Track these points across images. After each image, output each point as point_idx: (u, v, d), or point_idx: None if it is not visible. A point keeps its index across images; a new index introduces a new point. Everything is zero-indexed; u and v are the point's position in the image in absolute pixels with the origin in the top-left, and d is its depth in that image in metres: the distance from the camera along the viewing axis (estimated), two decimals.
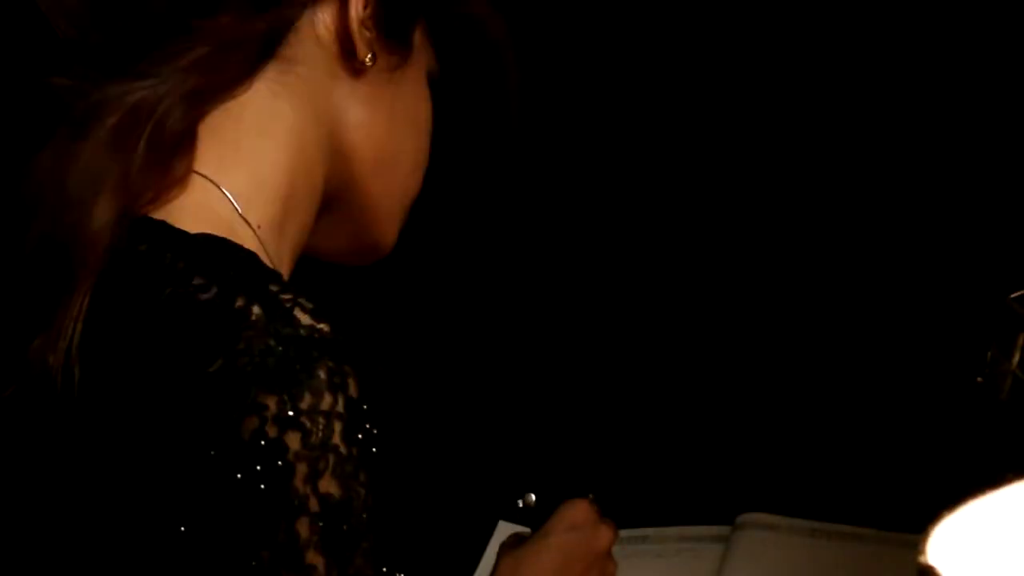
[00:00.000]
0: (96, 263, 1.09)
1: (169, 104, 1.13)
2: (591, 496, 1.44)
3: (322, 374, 1.03)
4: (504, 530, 1.57)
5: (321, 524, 1.02)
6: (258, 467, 1.01)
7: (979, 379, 1.35)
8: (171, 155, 1.14)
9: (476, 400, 1.97)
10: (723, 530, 1.70)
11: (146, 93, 1.13)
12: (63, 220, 1.11)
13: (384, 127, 1.25)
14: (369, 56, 1.22)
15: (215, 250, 1.10)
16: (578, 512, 1.42)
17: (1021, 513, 0.82)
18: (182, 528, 1.03)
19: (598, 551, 1.41)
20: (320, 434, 1.02)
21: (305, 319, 1.05)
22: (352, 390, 1.04)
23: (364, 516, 1.03)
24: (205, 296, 1.06)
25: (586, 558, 1.40)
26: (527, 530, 1.44)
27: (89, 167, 1.12)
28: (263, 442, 1.01)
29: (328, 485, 1.02)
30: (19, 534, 1.10)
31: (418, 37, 1.27)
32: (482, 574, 1.64)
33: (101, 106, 1.13)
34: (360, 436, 1.04)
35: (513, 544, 1.43)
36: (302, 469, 1.02)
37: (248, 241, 1.14)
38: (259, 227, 1.16)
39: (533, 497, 1.45)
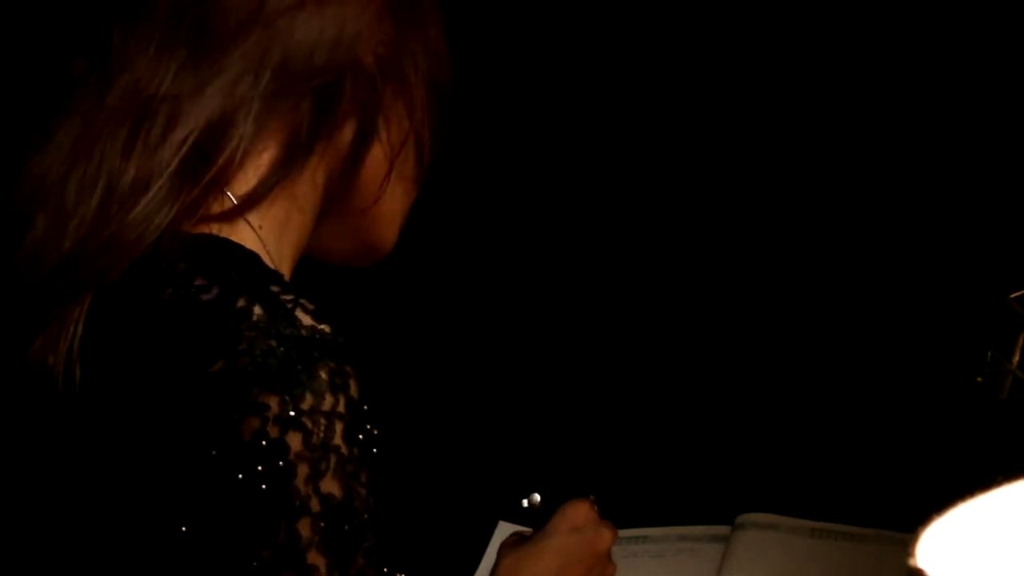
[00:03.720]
0: (120, 270, 1.09)
1: (208, 125, 1.13)
2: (592, 497, 1.43)
3: (323, 375, 1.03)
4: (504, 530, 1.57)
5: (323, 524, 1.02)
6: (259, 467, 1.01)
7: (979, 379, 1.36)
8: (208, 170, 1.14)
9: (477, 401, 1.97)
10: (722, 530, 1.69)
11: (193, 110, 1.13)
12: (100, 227, 1.10)
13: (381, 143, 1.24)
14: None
15: (216, 251, 1.10)
16: (579, 513, 1.41)
17: (1012, 515, 0.82)
18: (183, 528, 1.03)
19: (599, 552, 1.41)
20: (321, 434, 1.02)
21: (306, 320, 1.05)
22: (353, 391, 1.04)
23: (365, 516, 1.03)
24: (207, 297, 1.06)
25: (587, 560, 1.40)
26: (528, 530, 1.44)
27: (137, 179, 1.11)
28: (264, 442, 1.01)
29: (329, 485, 1.02)
30: (20, 534, 1.10)
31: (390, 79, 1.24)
32: (482, 574, 1.63)
33: (125, 109, 1.13)
34: (361, 436, 1.04)
35: (514, 544, 1.43)
36: (303, 469, 1.02)
37: (249, 242, 1.13)
38: (260, 227, 1.16)
39: (538, 497, 1.44)
